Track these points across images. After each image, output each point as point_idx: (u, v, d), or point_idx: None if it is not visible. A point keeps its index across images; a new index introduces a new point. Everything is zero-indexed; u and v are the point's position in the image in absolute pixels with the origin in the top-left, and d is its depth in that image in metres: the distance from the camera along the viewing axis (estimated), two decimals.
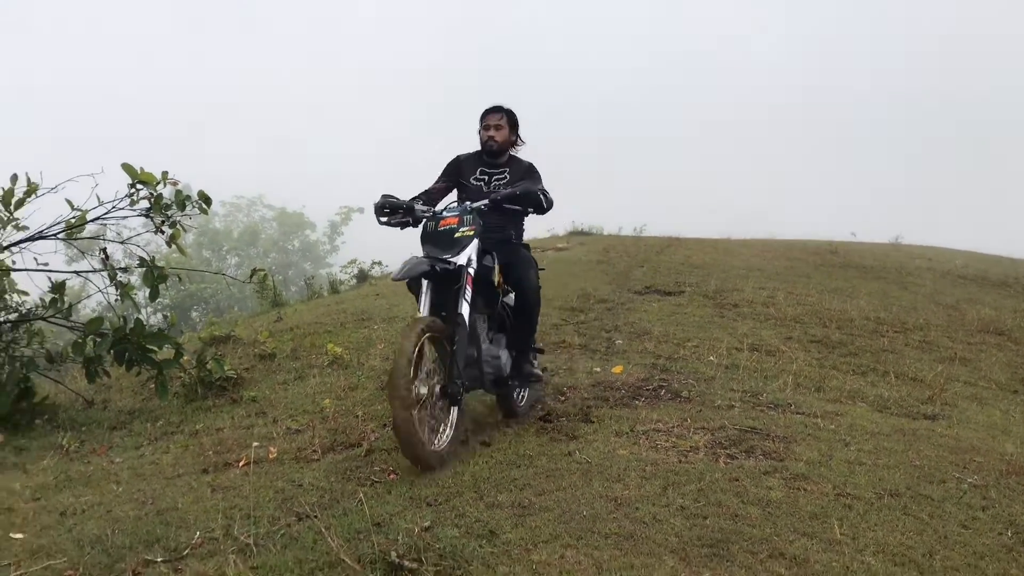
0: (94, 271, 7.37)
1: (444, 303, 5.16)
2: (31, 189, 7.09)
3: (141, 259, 7.30)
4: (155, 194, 7.11)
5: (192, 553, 4.01)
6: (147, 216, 7.22)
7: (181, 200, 7.20)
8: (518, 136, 5.99)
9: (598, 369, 7.40)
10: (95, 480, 5.31)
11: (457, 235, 5.20)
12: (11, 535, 4.35)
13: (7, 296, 7.31)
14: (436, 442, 4.97)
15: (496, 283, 5.44)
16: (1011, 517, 4.46)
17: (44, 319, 7.37)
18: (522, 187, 5.52)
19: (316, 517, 4.30)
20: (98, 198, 7.02)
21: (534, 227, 18.80)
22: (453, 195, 5.95)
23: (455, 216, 5.29)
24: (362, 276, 17.92)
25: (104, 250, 7.31)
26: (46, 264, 7.31)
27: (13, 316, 7.35)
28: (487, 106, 5.90)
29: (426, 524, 4.11)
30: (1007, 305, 12.41)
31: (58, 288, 7.31)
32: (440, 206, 5.74)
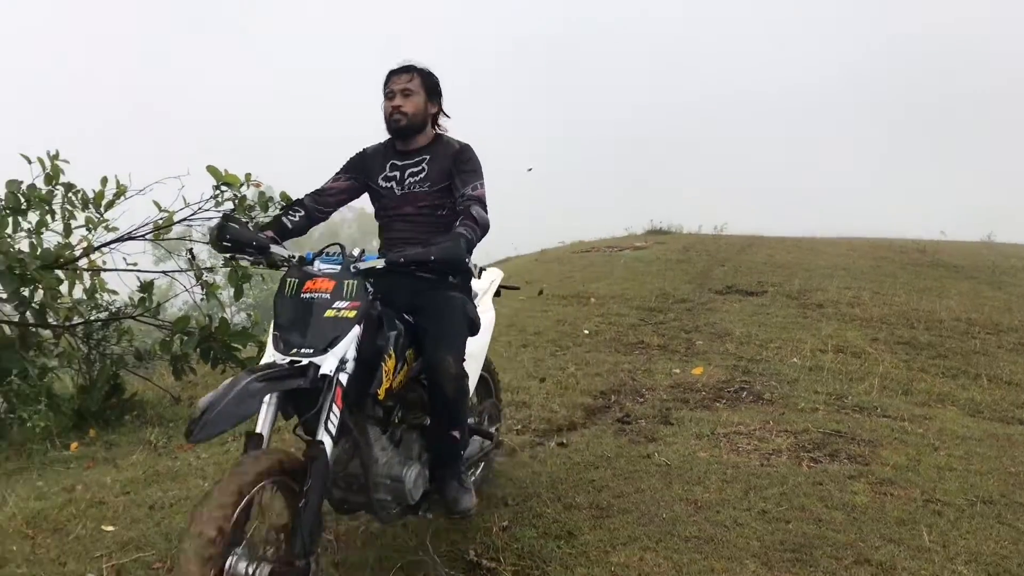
0: (181, 271, 7.54)
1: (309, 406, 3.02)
2: (120, 191, 7.29)
3: (225, 259, 7.45)
4: (239, 195, 7.25)
5: None
6: None
7: (264, 201, 7.33)
8: (440, 107, 3.94)
9: (677, 370, 7.30)
10: (182, 475, 5.43)
11: (328, 314, 3.04)
12: (103, 527, 4.48)
13: (98, 295, 7.53)
14: None
15: (384, 386, 3.25)
16: None
17: (133, 318, 7.57)
18: (439, 248, 3.22)
19: None
20: (184, 199, 7.19)
21: (608, 225, 18.59)
22: (366, 204, 4.15)
23: (330, 279, 3.12)
24: None
25: (190, 250, 7.47)
26: (135, 264, 7.52)
27: (104, 315, 7.57)
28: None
29: (504, 524, 4.10)
30: None
31: (146, 288, 7.51)
32: (316, 246, 3.63)
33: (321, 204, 3.95)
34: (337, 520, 4.23)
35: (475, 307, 3.88)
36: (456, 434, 3.56)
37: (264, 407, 2.96)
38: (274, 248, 3.28)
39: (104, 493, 5.10)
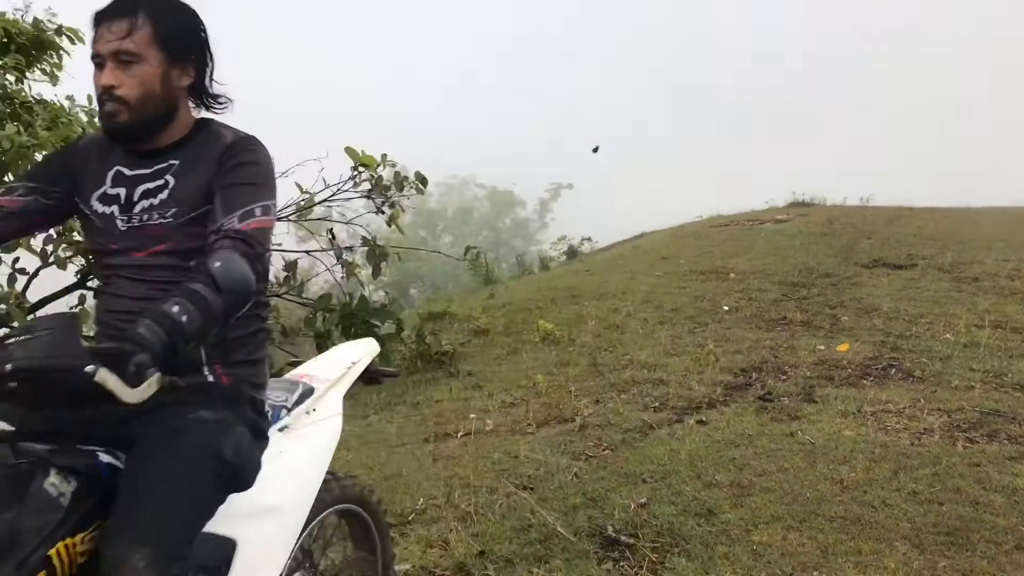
0: (322, 251, 7.78)
1: None
2: None
3: (364, 238, 7.65)
4: (376, 176, 7.41)
5: (417, 518, 4.16)
6: (369, 197, 7.55)
7: (399, 181, 7.47)
8: (201, 72, 2.19)
9: (822, 347, 7.06)
10: None
11: None
12: None
13: None
14: None
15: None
16: None
17: (279, 296, 7.86)
18: (147, 320, 1.73)
19: (532, 489, 4.35)
20: (324, 181, 7.40)
21: (749, 198, 18.09)
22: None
23: None
24: (571, 253, 18.00)
25: (331, 230, 7.71)
26: (279, 244, 7.80)
27: None
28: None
29: (642, 500, 4.07)
30: None
31: (291, 267, 7.78)
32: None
33: None
34: (475, 493, 4.29)
35: (248, 437, 2.12)
36: None
37: None
38: None
39: None
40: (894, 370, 6.32)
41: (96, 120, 7.13)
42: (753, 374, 6.40)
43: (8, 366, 1.54)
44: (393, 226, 7.66)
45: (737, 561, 3.50)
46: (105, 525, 1.81)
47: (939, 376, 6.10)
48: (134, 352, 1.63)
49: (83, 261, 6.87)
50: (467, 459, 4.93)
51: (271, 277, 8.13)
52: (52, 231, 6.67)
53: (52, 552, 1.70)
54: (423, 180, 7.60)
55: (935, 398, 5.54)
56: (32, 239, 6.61)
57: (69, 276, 7.10)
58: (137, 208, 2.09)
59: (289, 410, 2.50)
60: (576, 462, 4.70)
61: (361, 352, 2.93)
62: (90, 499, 1.81)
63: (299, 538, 2.41)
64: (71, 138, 6.48)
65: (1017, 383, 5.88)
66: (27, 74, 6.63)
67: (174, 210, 2.07)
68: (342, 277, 7.66)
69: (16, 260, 6.89)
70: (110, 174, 2.15)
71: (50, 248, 6.81)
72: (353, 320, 7.26)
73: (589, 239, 18.52)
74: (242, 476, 2.07)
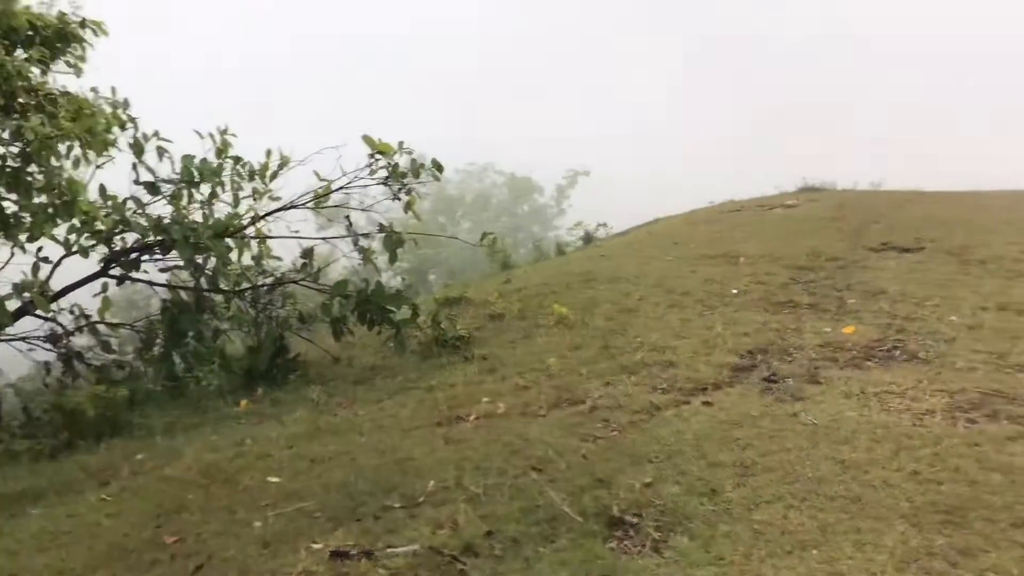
0: (339, 237, 7.94)
1: None
2: (284, 162, 7.73)
3: (381, 225, 7.80)
4: (392, 163, 7.55)
5: (426, 500, 4.31)
6: (386, 184, 7.69)
7: (416, 169, 7.60)
8: None
9: (828, 329, 7.16)
10: (341, 430, 5.76)
11: None
12: (269, 479, 4.84)
13: (264, 262, 8.02)
14: None
15: None
16: None
17: (296, 282, 8.02)
18: None
19: (541, 470, 4.48)
20: (341, 169, 7.56)
21: (759, 183, 18.11)
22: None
23: None
24: (587, 238, 18.06)
25: (348, 217, 7.86)
26: (297, 232, 7.97)
27: (269, 280, 8.05)
28: None
29: (647, 480, 4.20)
30: None
31: (308, 254, 7.95)
32: None
33: None
34: (485, 475, 4.44)
35: None
36: None
37: None
38: None
39: (271, 447, 5.49)
40: (899, 352, 6.42)
41: (120, 111, 7.32)
42: (759, 356, 6.51)
43: None
44: (410, 212, 7.80)
45: (738, 539, 3.64)
46: None
47: (943, 358, 6.20)
48: None
49: (106, 250, 7.06)
50: (478, 442, 5.06)
51: (290, 264, 8.38)
52: (75, 220, 6.86)
53: None
54: (439, 167, 7.74)
55: (938, 379, 5.64)
56: (55, 228, 6.80)
57: (92, 264, 7.28)
58: None
59: None
60: (584, 444, 4.83)
61: None
62: None
63: None
64: (95, 129, 6.66)
65: (1019, 364, 5.97)
66: (51, 66, 6.79)
67: None
68: (359, 263, 7.82)
69: (40, 249, 7.08)
70: None
71: (72, 237, 6.99)
72: (369, 306, 7.41)
73: (604, 224, 18.56)
74: None
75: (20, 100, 6.44)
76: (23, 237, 6.83)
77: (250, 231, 7.79)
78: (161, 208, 7.52)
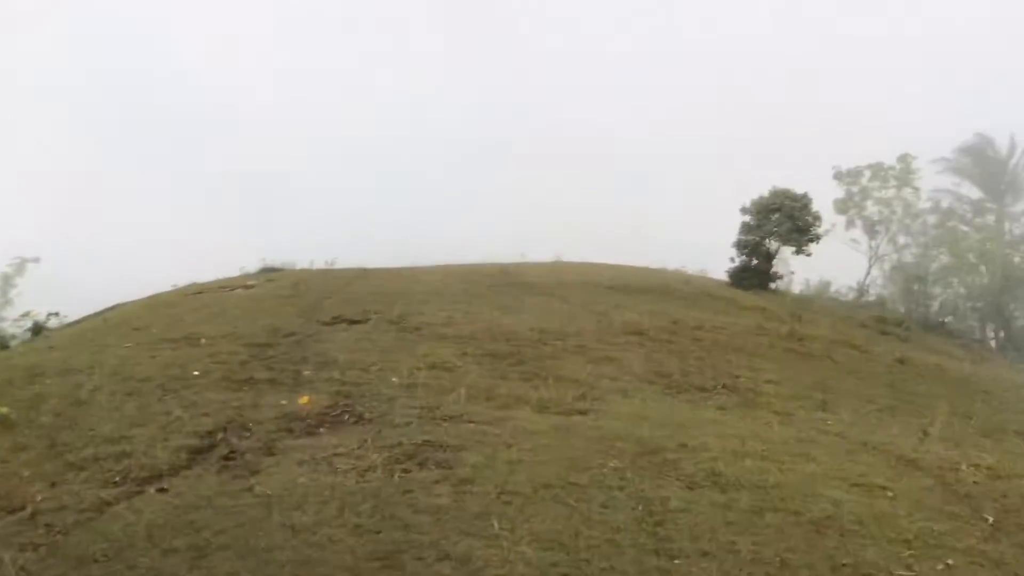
0: None
1: None
2: None
3: None
4: None
5: None
6: None
7: None
8: None
9: (284, 401, 7.50)
10: None
11: None
12: None
13: None
14: None
15: None
16: (642, 493, 5.18)
17: None
18: None
19: None
20: None
21: (219, 266, 18.37)
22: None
23: None
24: (37, 329, 16.70)
25: None
26: None
27: None
28: None
29: None
30: (646, 309, 14.19)
31: None
32: None
33: None
34: None
35: None
36: None
37: None
38: None
39: None
40: (347, 415, 6.97)
41: None
42: (219, 435, 6.61)
43: None
44: None
45: None
46: None
47: (384, 416, 6.87)
48: None
49: None
50: None
51: None
52: None
53: None
54: None
55: (380, 436, 6.25)
56: None
57: None
58: None
59: None
60: (23, 554, 4.52)
61: None
62: None
63: None
64: None
65: (445, 415, 6.86)
66: None
67: None
68: None
69: None
70: None
71: None
72: None
73: (56, 314, 17.31)
74: None
75: None
76: None
77: None
78: None
